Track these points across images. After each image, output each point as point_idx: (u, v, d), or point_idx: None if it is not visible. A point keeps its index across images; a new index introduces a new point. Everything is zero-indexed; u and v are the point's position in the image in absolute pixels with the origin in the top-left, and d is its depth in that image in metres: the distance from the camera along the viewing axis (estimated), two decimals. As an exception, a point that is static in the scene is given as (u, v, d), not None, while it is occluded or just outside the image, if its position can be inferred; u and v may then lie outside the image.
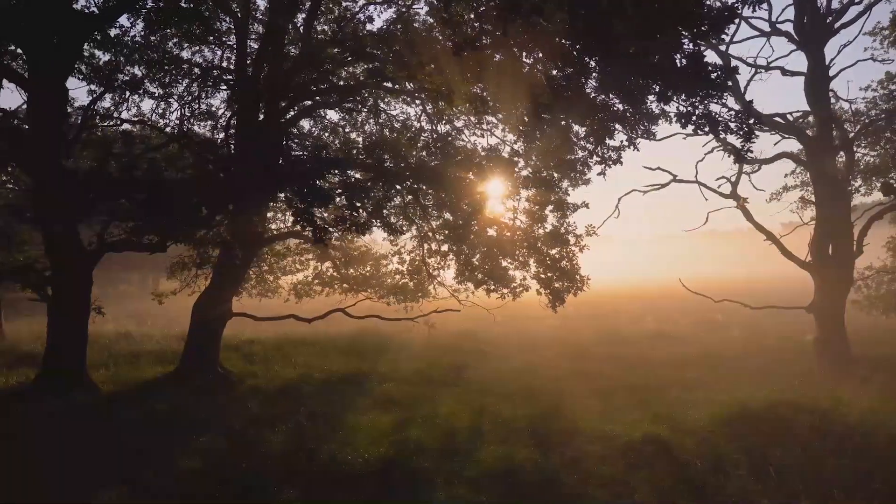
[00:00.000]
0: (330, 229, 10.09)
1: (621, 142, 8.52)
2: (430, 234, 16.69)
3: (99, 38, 10.13)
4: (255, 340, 18.95)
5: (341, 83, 14.47)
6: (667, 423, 7.69)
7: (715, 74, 5.88)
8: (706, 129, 6.49)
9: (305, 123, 17.35)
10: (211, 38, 14.06)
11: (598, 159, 8.23)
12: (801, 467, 6.10)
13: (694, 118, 6.20)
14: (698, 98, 6.03)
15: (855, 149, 17.24)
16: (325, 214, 12.83)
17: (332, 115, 15.91)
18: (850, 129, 15.38)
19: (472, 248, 14.14)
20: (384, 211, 10.67)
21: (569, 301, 13.78)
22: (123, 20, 14.93)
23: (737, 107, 11.10)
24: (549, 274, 12.43)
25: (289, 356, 16.03)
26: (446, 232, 14.68)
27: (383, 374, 13.26)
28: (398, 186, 11.51)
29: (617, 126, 8.02)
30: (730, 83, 6.69)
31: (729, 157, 12.57)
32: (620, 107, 7.89)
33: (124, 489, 6.32)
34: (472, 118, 14.82)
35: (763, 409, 7.92)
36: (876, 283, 17.27)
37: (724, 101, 6.47)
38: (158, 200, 8.48)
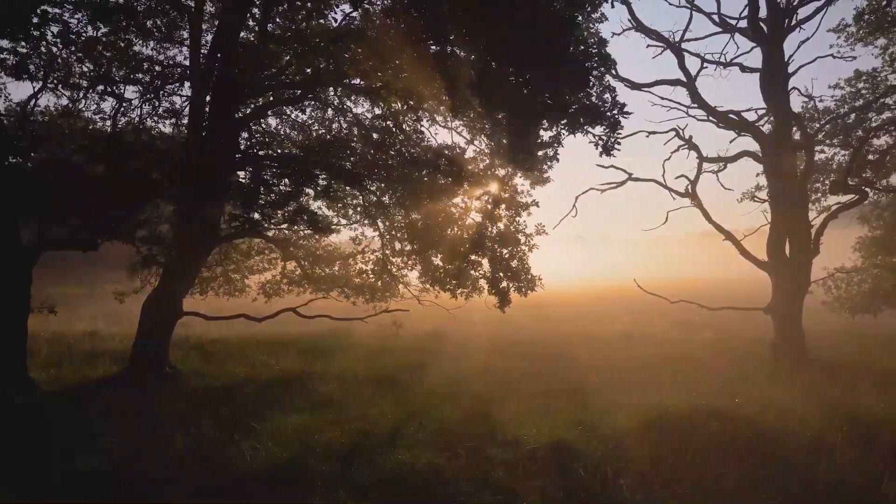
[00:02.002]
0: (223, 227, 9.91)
1: (550, 137, 8.37)
2: (394, 233, 16.56)
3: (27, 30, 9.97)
4: (220, 340, 18.86)
5: (297, 79, 14.32)
6: (585, 428, 7.50)
7: (588, 64, 5.68)
8: (581, 122, 6.28)
9: (273, 121, 17.31)
10: (160, 33, 13.99)
11: (523, 155, 8.05)
12: (702, 474, 5.90)
13: (572, 111, 6.00)
14: (568, 90, 5.83)
15: (825, 148, 17.00)
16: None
17: (300, 113, 15.73)
18: (820, 127, 15.12)
19: (431, 247, 13.98)
20: (294, 205, 10.46)
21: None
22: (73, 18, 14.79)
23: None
24: (498, 274, 12.25)
25: (248, 356, 15.90)
26: (406, 232, 14.54)
27: (334, 374, 13.10)
28: (340, 184, 11.33)
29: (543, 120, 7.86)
30: (602, 72, 6.51)
31: (690, 151, 12.38)
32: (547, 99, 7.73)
33: (7, 489, 6.20)
34: (438, 116, 14.71)
35: (687, 413, 7.71)
36: (846, 284, 17.00)
37: (590, 91, 6.26)
38: (75, 198, 8.35)
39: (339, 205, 17.80)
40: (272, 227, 12.99)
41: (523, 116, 6.83)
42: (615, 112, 6.57)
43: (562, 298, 41.80)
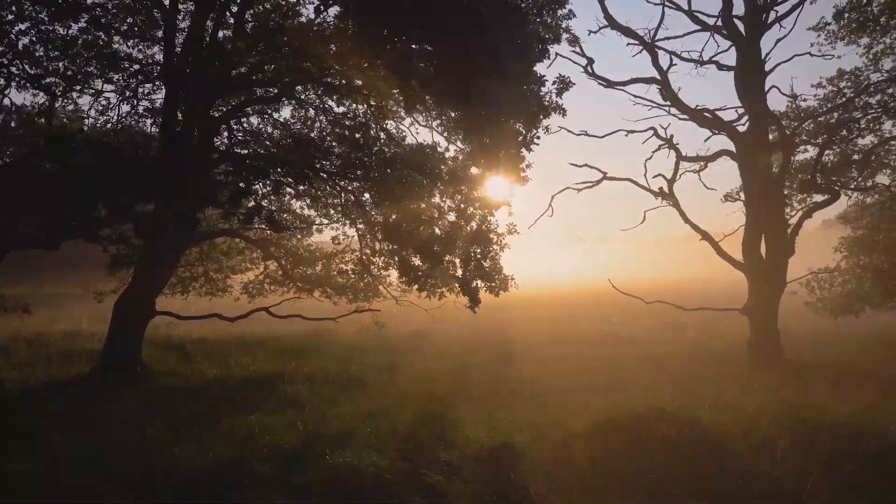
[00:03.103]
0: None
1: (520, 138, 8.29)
2: (374, 232, 16.44)
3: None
4: (203, 340, 18.77)
5: (265, 78, 14.19)
6: (536, 431, 7.39)
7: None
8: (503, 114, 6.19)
9: (255, 120, 17.22)
10: (137, 30, 13.95)
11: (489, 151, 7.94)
12: (642, 477, 5.79)
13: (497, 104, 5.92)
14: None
15: (808, 147, 16.85)
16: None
17: (275, 112, 15.62)
18: (798, 125, 14.94)
19: (406, 245, 13.87)
20: (250, 203, 10.42)
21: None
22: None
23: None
24: (469, 273, 12.13)
25: (227, 356, 15.79)
26: (381, 231, 14.43)
27: (306, 375, 12.99)
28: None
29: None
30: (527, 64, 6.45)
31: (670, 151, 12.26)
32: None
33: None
34: (413, 115, 14.60)
35: (638, 416, 7.57)
36: (830, 285, 16.83)
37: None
38: (34, 197, 8.30)
39: (320, 204, 17.79)
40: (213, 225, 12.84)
41: (458, 108, 6.77)
42: (535, 106, 6.48)
43: (556, 299, 41.73)
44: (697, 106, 13.99)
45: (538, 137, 6.96)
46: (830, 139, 13.33)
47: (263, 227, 13.10)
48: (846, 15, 14.40)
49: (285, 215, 18.70)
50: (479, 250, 12.42)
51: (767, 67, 12.89)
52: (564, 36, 10.92)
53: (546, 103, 8.30)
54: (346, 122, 15.26)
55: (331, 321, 18.20)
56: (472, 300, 11.92)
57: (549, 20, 10.12)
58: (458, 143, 14.37)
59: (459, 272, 12.36)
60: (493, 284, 12.16)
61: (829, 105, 15.68)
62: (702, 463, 5.89)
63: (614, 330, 20.74)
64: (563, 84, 8.70)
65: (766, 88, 13.18)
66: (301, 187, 12.55)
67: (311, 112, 16.52)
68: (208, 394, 11.06)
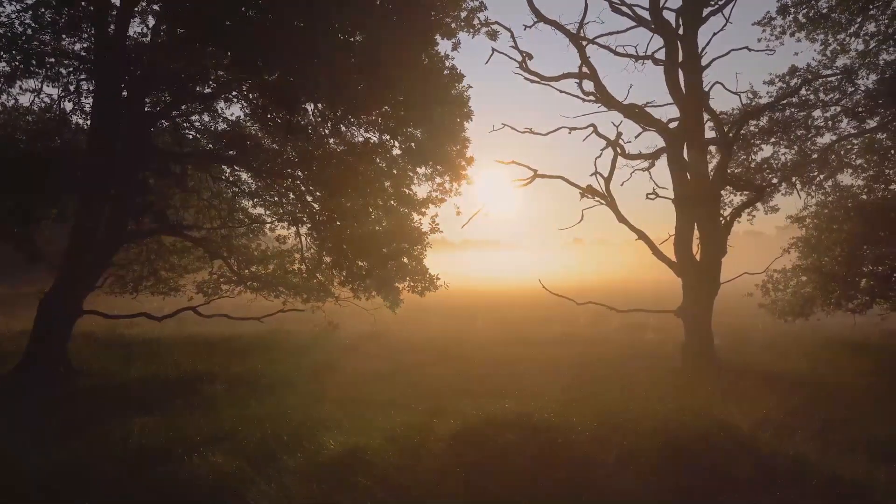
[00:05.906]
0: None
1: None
2: (322, 232, 16.24)
3: None
4: (153, 340, 18.61)
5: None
6: (401, 434, 7.15)
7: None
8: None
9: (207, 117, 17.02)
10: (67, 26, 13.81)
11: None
12: (468, 491, 5.53)
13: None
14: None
15: (764, 146, 16.51)
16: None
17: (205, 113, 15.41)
18: (734, 123, 14.56)
19: (335, 242, 13.66)
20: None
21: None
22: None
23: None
24: (392, 273, 11.90)
25: (170, 356, 15.64)
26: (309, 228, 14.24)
27: (233, 376, 12.82)
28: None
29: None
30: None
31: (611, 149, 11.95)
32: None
33: None
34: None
35: (493, 422, 7.26)
36: (784, 287, 16.42)
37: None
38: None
39: (268, 203, 17.62)
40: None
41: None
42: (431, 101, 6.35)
43: (539, 299, 41.35)
44: (647, 103, 13.68)
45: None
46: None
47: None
48: (792, 10, 14.02)
49: (238, 215, 18.64)
50: (405, 247, 12.19)
51: (703, 62, 12.53)
52: (483, 30, 10.68)
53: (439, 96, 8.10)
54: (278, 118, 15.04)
55: (297, 322, 18.01)
56: (388, 299, 11.70)
57: (460, 13, 9.87)
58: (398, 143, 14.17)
59: (380, 272, 12.13)
60: (416, 284, 11.92)
61: (789, 99, 15.28)
62: (542, 478, 5.61)
63: (575, 331, 20.42)
64: (454, 77, 8.47)
65: (707, 84, 12.84)
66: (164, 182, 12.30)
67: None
68: (117, 395, 10.91)
